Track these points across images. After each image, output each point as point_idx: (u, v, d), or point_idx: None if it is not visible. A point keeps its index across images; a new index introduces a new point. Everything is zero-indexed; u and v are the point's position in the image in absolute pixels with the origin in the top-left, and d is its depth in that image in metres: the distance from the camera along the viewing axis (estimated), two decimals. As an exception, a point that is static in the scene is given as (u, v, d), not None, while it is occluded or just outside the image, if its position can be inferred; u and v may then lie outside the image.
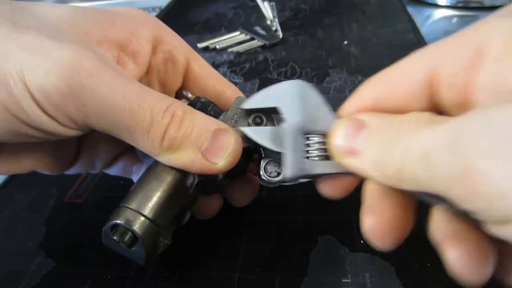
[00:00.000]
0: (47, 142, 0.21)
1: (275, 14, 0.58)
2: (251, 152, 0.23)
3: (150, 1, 0.87)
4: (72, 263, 0.26)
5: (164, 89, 0.26)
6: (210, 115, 0.21)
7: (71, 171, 0.26)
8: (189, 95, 0.23)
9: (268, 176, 0.21)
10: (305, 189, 0.29)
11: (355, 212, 0.26)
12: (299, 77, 0.44)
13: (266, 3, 0.58)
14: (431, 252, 0.23)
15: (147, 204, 0.19)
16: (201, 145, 0.19)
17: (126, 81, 0.19)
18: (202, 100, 0.23)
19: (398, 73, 0.16)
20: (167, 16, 0.69)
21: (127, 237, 0.19)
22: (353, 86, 0.40)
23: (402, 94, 0.16)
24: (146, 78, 0.24)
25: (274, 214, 0.27)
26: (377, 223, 0.16)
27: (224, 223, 0.27)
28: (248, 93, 0.42)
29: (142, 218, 0.19)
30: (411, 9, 0.56)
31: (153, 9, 0.87)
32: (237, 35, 0.55)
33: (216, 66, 0.49)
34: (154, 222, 0.19)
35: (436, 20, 0.58)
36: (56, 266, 0.26)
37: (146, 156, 0.25)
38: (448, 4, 0.59)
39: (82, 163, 0.26)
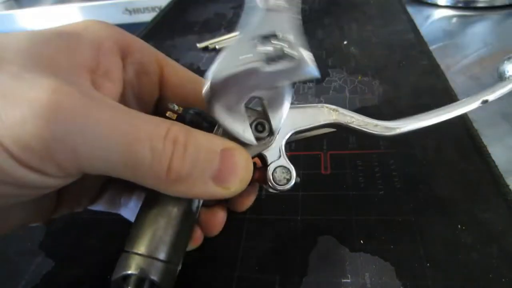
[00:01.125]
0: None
1: (275, 14, 0.58)
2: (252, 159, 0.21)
3: (150, 1, 0.87)
4: (72, 263, 0.26)
5: (141, 104, 0.23)
6: (204, 127, 0.20)
7: (56, 215, 0.22)
8: (175, 108, 0.21)
9: (277, 184, 0.20)
10: (305, 189, 0.29)
11: (355, 212, 0.26)
12: (299, 77, 0.44)
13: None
14: (431, 252, 0.23)
15: (159, 246, 0.18)
16: (210, 170, 0.17)
17: (115, 111, 0.16)
18: (191, 112, 0.21)
19: None
20: (167, 16, 0.69)
21: (143, 286, 0.17)
22: (353, 86, 0.40)
23: None
24: (121, 96, 0.22)
25: (274, 214, 0.27)
26: None
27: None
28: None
29: (157, 263, 0.17)
30: (411, 9, 0.56)
31: (153, 9, 0.87)
32: (237, 35, 0.55)
33: (216, 66, 0.49)
34: (169, 262, 0.18)
35: (436, 20, 0.58)
36: (56, 266, 0.26)
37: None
38: (448, 4, 0.59)
39: (67, 204, 0.22)
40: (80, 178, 0.21)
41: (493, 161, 0.28)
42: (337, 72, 0.43)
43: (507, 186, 0.26)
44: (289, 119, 0.21)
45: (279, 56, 0.18)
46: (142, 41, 0.23)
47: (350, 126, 0.21)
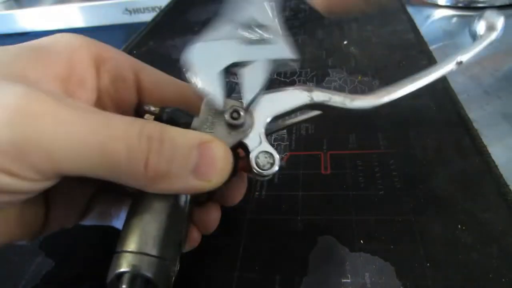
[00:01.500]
0: (11, 211, 0.18)
1: (275, 14, 0.58)
2: (235, 150, 0.21)
3: (150, 1, 0.87)
4: (72, 263, 0.26)
5: (119, 111, 0.23)
6: (182, 125, 0.20)
7: (45, 232, 0.22)
8: (152, 109, 0.21)
9: (262, 169, 0.20)
10: (305, 189, 0.29)
11: (355, 212, 0.26)
12: (299, 77, 0.44)
13: (266, 3, 0.58)
14: (431, 252, 0.23)
15: (148, 241, 0.17)
16: (189, 165, 0.17)
17: (86, 112, 0.16)
18: (167, 110, 0.21)
19: None
20: (166, 16, 0.69)
21: (137, 284, 0.17)
22: (353, 86, 0.40)
23: None
24: (98, 104, 0.22)
25: (274, 214, 0.27)
26: None
27: (223, 222, 0.27)
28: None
29: (148, 258, 0.17)
30: (410, 9, 0.56)
31: (153, 9, 0.87)
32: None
33: (216, 66, 0.49)
34: (161, 257, 0.18)
35: (436, 20, 0.58)
36: (56, 266, 0.26)
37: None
38: (448, 4, 0.59)
39: (55, 220, 0.22)
40: (66, 193, 0.21)
41: (493, 161, 0.28)
42: (337, 72, 0.43)
43: (507, 186, 0.26)
44: (265, 104, 0.21)
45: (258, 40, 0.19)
46: (115, 49, 0.23)
47: (327, 104, 0.21)
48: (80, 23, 0.92)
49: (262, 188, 0.30)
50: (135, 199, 0.19)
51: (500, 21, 0.26)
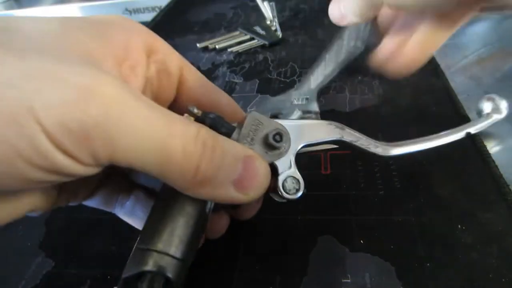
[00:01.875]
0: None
1: (275, 14, 0.58)
2: None
3: (150, 1, 0.87)
4: (72, 263, 0.26)
5: (157, 103, 0.24)
6: (222, 133, 0.20)
7: (53, 207, 0.22)
8: (195, 111, 0.21)
9: (287, 193, 0.21)
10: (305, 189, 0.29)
11: (355, 212, 0.26)
12: (299, 77, 0.44)
13: (266, 3, 0.58)
14: (431, 252, 0.23)
15: (178, 244, 0.18)
16: (233, 175, 0.18)
17: (150, 105, 0.16)
18: (211, 116, 0.21)
19: None
20: (166, 16, 0.69)
21: (157, 284, 0.17)
22: (353, 86, 0.40)
23: None
24: (141, 92, 0.22)
25: (274, 214, 0.27)
26: None
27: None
28: (248, 93, 0.42)
29: (174, 261, 0.17)
30: (410, 9, 0.56)
31: (153, 9, 0.87)
32: (236, 35, 0.55)
33: (215, 66, 0.49)
34: (183, 261, 0.18)
35: (436, 20, 0.58)
36: (56, 266, 0.26)
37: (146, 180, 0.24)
38: (447, 4, 0.59)
39: (64, 195, 0.22)
40: None
41: (493, 161, 0.28)
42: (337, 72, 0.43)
43: (507, 186, 0.26)
44: (300, 132, 0.22)
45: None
46: (166, 43, 0.23)
47: (353, 145, 0.23)
48: (80, 23, 0.92)
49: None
50: (164, 195, 0.19)
51: (504, 107, 0.29)
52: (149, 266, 0.17)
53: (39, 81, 0.14)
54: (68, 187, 0.22)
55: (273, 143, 0.20)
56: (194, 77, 0.24)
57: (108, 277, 0.25)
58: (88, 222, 0.29)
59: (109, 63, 0.18)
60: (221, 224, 0.24)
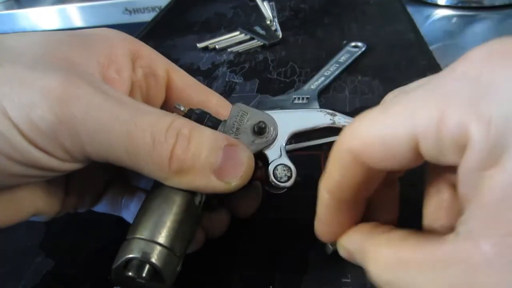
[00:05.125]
0: (39, 184, 0.20)
1: (275, 14, 0.58)
2: (255, 159, 0.22)
3: (150, 1, 0.87)
4: (72, 263, 0.26)
5: (148, 105, 0.24)
6: (208, 126, 0.20)
7: (61, 212, 0.23)
8: (181, 108, 0.22)
9: (278, 181, 0.20)
10: (305, 189, 0.29)
11: (355, 212, 0.26)
12: (299, 76, 0.44)
13: (265, 3, 0.58)
14: (431, 252, 0.23)
15: (162, 231, 0.18)
16: (213, 164, 0.18)
17: (118, 101, 0.17)
18: (197, 111, 0.22)
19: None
20: (166, 16, 0.69)
21: (144, 271, 0.17)
22: (353, 86, 0.40)
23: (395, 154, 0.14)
24: (128, 95, 0.23)
25: (274, 214, 0.27)
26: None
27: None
28: (248, 93, 0.42)
29: (160, 248, 0.17)
30: (410, 9, 0.56)
31: (153, 9, 0.87)
32: (236, 35, 0.55)
33: (215, 66, 0.49)
34: (172, 250, 0.18)
35: (436, 20, 0.58)
36: (56, 266, 0.26)
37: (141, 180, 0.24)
38: (448, 4, 0.59)
39: (71, 201, 0.23)
40: (83, 179, 0.23)
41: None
42: (337, 72, 0.43)
43: (507, 186, 0.26)
44: (289, 120, 0.22)
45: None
46: (151, 48, 0.25)
47: None
48: (80, 23, 0.92)
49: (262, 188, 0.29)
50: (152, 190, 0.20)
51: None
52: (134, 253, 0.17)
53: (9, 86, 0.16)
54: (74, 192, 0.23)
55: (259, 130, 0.20)
56: (181, 79, 0.25)
57: (108, 277, 0.25)
58: (88, 222, 0.29)
59: (91, 67, 0.19)
60: (221, 222, 0.24)
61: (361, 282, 0.22)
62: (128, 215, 0.25)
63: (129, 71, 0.22)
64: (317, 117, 0.22)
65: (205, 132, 0.19)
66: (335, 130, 0.22)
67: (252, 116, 0.21)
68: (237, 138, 0.20)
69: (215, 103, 0.25)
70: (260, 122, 0.21)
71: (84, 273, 0.25)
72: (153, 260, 0.17)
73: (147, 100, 0.24)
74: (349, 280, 0.23)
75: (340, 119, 0.22)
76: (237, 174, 0.19)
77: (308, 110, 0.23)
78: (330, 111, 0.23)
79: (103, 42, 0.21)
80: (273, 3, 0.61)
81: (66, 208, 0.23)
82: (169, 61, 0.25)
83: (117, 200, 0.25)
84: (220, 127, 0.21)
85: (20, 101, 0.16)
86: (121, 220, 0.25)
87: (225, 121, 0.21)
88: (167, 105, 0.25)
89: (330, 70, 0.42)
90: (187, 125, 0.18)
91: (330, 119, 0.22)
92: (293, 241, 0.25)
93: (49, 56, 0.18)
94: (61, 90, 0.16)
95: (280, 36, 0.53)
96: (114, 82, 0.21)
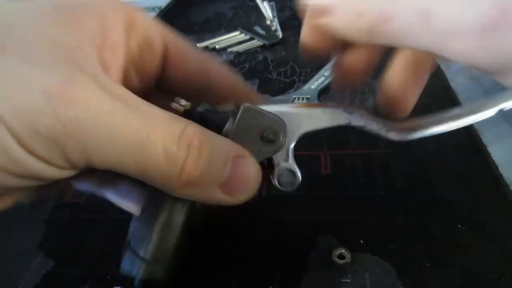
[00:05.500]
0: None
1: (275, 14, 0.58)
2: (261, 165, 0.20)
3: (149, 1, 0.87)
4: (72, 263, 0.26)
5: (142, 80, 0.22)
6: (213, 126, 0.19)
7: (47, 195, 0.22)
8: (182, 103, 0.20)
9: (281, 186, 0.20)
10: (305, 189, 0.29)
11: (355, 212, 0.26)
12: (299, 76, 0.44)
13: (265, 3, 0.58)
14: (431, 252, 0.23)
15: (142, 245, 0.18)
16: (221, 178, 0.17)
17: (127, 104, 0.16)
18: (200, 110, 0.20)
19: None
20: (166, 16, 0.69)
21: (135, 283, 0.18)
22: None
23: None
24: (123, 71, 0.21)
25: (274, 214, 0.27)
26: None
27: (223, 222, 0.27)
28: (248, 93, 0.42)
29: (142, 263, 0.18)
30: (410, 9, 0.56)
31: (153, 9, 0.87)
32: (236, 35, 0.55)
33: (216, 66, 0.49)
34: (153, 261, 0.18)
35: (436, 20, 0.58)
36: (56, 266, 0.26)
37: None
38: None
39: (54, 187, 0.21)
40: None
41: (493, 161, 0.28)
42: (337, 72, 0.43)
43: (507, 186, 0.26)
44: (302, 119, 0.20)
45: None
46: (147, 17, 0.22)
47: (362, 130, 0.21)
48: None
49: (262, 188, 0.29)
50: (155, 200, 0.19)
51: None
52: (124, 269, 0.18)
53: (3, 85, 0.14)
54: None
55: (269, 138, 0.19)
56: (179, 49, 0.23)
57: (108, 277, 0.25)
58: (88, 222, 0.29)
59: (86, 51, 0.17)
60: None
61: (361, 282, 0.22)
62: (115, 198, 0.23)
63: (123, 46, 0.20)
64: (333, 116, 0.20)
65: (217, 143, 0.17)
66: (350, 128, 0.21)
67: (263, 120, 0.19)
68: (244, 141, 0.19)
69: (215, 72, 0.23)
70: (270, 130, 0.19)
71: (84, 273, 0.25)
72: (135, 275, 0.18)
73: (142, 74, 0.22)
74: (349, 280, 0.23)
75: (357, 121, 0.20)
76: (243, 189, 0.18)
77: (325, 107, 0.21)
78: (349, 109, 0.20)
79: (95, 15, 0.19)
80: (273, 3, 0.61)
81: (50, 189, 0.20)
82: (167, 30, 0.23)
83: (106, 180, 0.23)
84: (227, 125, 0.19)
85: (19, 103, 0.14)
86: (121, 220, 0.25)
87: (233, 116, 0.19)
88: (164, 79, 0.23)
89: (330, 70, 0.42)
90: (198, 134, 0.17)
91: (346, 118, 0.20)
92: (293, 241, 0.25)
93: (41, 43, 0.16)
94: (66, 91, 0.14)
95: (280, 36, 0.53)
96: (110, 64, 0.19)
